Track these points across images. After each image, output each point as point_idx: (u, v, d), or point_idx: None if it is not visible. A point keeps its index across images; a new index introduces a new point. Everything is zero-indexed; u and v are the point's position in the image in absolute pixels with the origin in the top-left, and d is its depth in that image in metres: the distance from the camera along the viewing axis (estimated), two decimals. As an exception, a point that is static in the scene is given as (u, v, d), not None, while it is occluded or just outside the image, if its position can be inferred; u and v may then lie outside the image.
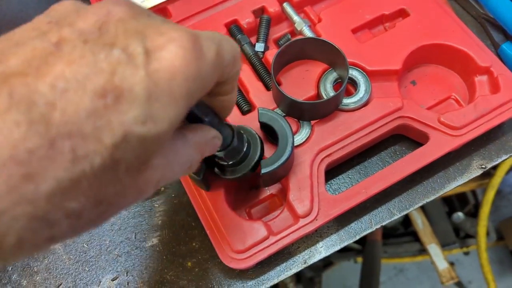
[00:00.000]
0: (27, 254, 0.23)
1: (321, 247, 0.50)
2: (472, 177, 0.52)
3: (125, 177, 0.25)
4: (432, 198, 0.51)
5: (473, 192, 1.49)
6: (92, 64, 0.23)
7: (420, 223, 1.40)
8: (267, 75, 0.54)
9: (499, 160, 0.52)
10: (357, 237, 0.50)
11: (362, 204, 0.48)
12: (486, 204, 1.22)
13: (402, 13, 0.57)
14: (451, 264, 1.48)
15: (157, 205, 0.53)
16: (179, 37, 0.25)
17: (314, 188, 0.47)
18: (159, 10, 0.59)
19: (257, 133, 0.44)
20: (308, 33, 0.55)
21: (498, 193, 1.51)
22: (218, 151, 0.40)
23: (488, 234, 1.44)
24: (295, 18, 0.56)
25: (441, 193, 0.51)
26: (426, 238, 1.39)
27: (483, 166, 0.52)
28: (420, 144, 0.51)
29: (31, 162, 0.21)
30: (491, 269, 1.34)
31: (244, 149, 0.42)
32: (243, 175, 0.43)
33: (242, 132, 0.43)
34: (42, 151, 0.21)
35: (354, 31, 0.55)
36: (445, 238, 1.44)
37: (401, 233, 1.52)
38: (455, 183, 0.52)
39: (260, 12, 0.59)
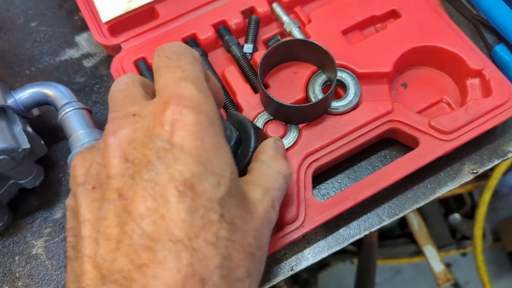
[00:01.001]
0: None
1: (309, 253, 0.48)
2: (463, 182, 0.51)
3: (241, 223, 0.29)
4: (423, 203, 0.50)
5: (470, 194, 1.47)
6: (153, 182, 0.27)
7: (416, 224, 1.39)
8: (255, 77, 0.52)
9: (491, 165, 0.51)
10: (345, 244, 0.49)
11: (351, 209, 0.47)
12: (482, 206, 1.21)
13: (393, 14, 0.56)
14: (448, 265, 1.47)
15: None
16: (176, 112, 0.28)
17: (300, 193, 0.46)
18: (146, 10, 0.58)
19: (253, 131, 0.41)
20: (297, 34, 0.54)
21: (496, 194, 1.50)
22: None
23: (484, 236, 1.43)
24: (285, 18, 0.55)
25: (431, 198, 0.50)
26: (422, 240, 1.37)
27: (475, 171, 0.51)
28: (410, 149, 0.50)
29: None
30: (487, 271, 1.33)
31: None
32: None
33: (237, 127, 0.41)
34: (195, 259, 0.26)
35: (344, 32, 0.54)
36: (441, 240, 1.43)
37: (397, 234, 1.51)
38: (446, 188, 0.51)
39: (249, 12, 0.57)
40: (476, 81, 0.51)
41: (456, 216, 1.42)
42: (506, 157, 0.52)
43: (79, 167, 0.31)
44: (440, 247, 1.42)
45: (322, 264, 1.55)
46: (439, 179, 0.51)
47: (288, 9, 0.57)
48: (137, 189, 0.27)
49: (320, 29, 0.54)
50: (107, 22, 0.58)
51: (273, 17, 0.57)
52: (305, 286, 1.48)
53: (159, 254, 0.25)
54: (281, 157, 0.39)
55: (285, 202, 0.45)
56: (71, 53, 0.62)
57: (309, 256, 0.48)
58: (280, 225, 0.46)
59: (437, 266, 1.34)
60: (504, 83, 0.50)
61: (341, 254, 1.48)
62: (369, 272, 1.34)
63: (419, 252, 1.43)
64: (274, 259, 0.48)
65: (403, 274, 1.77)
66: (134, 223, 0.26)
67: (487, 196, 1.19)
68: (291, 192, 0.46)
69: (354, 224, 0.50)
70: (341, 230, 0.49)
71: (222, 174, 0.28)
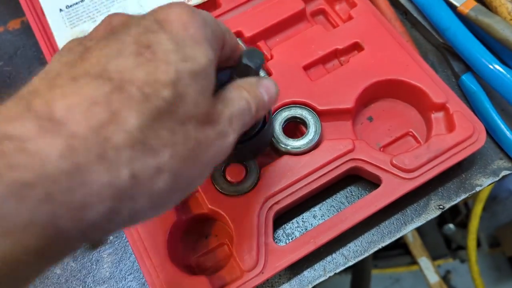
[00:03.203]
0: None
1: (272, 297, 0.48)
2: (429, 218, 0.50)
3: (196, 109, 0.28)
4: (388, 241, 0.49)
5: (465, 203, 1.46)
6: (120, 41, 0.28)
7: (410, 235, 1.38)
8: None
9: (458, 200, 0.50)
10: (310, 286, 0.48)
11: (315, 250, 0.47)
12: (474, 218, 1.20)
13: (356, 47, 0.55)
14: (446, 272, 1.46)
15: (105, 256, 0.51)
16: (176, 5, 0.31)
17: (260, 238, 0.45)
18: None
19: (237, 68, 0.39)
20: (260, 72, 0.53)
21: (494, 198, 1.48)
22: None
23: (480, 245, 1.42)
24: (247, 54, 0.54)
25: (397, 236, 0.50)
26: (416, 251, 1.36)
27: (441, 207, 0.50)
28: (376, 186, 0.49)
29: (121, 84, 0.26)
30: (486, 279, 1.32)
31: None
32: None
33: None
34: (115, 95, 0.25)
35: (307, 67, 0.53)
36: (436, 250, 1.42)
37: (392, 245, 1.50)
38: (412, 225, 0.50)
39: (211, 48, 0.57)
40: (440, 114, 0.50)
41: (451, 226, 1.41)
42: (474, 191, 0.51)
43: (65, 46, 0.31)
44: (435, 257, 1.41)
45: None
46: (405, 215, 0.50)
47: (252, 44, 0.57)
48: (99, 45, 0.28)
49: (281, 65, 0.53)
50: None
51: (236, 52, 0.57)
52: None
53: (79, 80, 0.25)
54: (253, 89, 0.36)
55: (243, 248, 0.45)
56: (37, 93, 0.61)
57: (273, 301, 0.48)
58: (239, 272, 0.45)
59: (432, 278, 1.33)
60: (468, 117, 0.49)
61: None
62: (363, 284, 1.33)
63: (415, 263, 1.42)
64: (237, 304, 0.48)
65: (402, 283, 1.76)
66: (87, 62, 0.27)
67: (478, 208, 1.18)
68: (251, 238, 0.45)
69: (319, 265, 0.49)
70: (305, 272, 0.49)
71: (192, 57, 0.29)
